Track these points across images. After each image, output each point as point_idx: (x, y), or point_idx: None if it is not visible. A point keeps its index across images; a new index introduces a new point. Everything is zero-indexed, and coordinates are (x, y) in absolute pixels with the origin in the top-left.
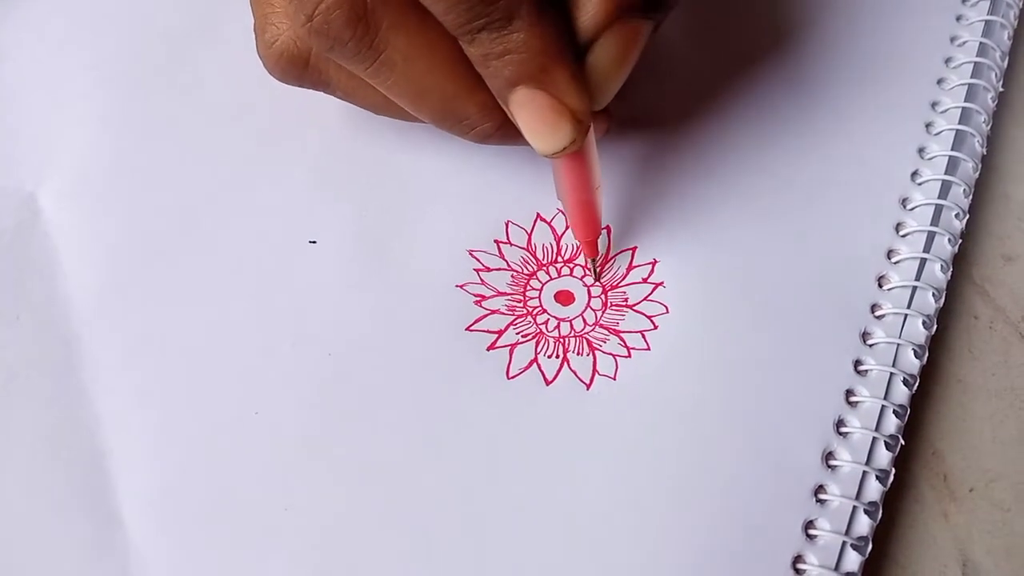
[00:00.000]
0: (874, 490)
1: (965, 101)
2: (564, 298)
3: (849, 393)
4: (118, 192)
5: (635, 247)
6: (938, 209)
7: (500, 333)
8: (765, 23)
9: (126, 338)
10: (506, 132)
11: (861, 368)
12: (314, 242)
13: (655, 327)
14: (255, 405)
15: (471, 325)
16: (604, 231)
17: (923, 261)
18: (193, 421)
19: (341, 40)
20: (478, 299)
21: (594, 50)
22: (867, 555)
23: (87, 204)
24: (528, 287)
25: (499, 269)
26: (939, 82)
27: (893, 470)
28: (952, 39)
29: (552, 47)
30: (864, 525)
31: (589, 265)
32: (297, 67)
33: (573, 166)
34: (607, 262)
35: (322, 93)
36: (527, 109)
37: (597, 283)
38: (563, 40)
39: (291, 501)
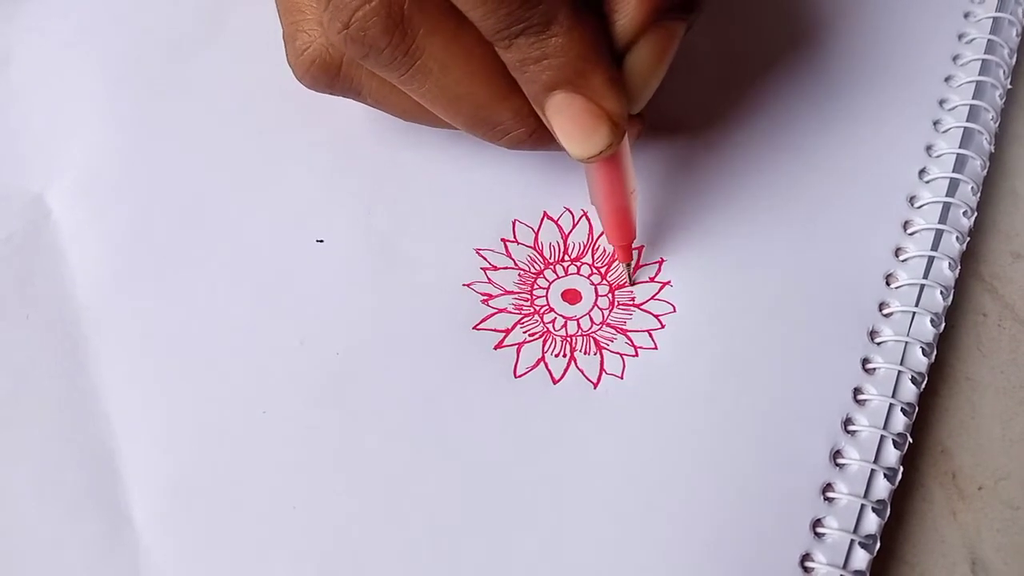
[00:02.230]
0: (882, 488)
1: (973, 99)
2: (571, 297)
3: (857, 391)
4: (126, 192)
5: (642, 246)
6: (946, 207)
7: (507, 332)
8: (771, 24)
9: (134, 337)
10: (539, 138)
11: (869, 366)
12: (321, 241)
13: (662, 326)
14: (263, 404)
15: (478, 324)
16: (636, 251)
17: (931, 259)
18: (201, 420)
19: (377, 48)
20: (485, 298)
21: (632, 53)
22: (875, 553)
23: (95, 204)
24: (535, 286)
25: (506, 268)
26: (947, 80)
27: (901, 468)
28: (960, 36)
29: (590, 51)
30: (872, 523)
31: (623, 270)
32: (328, 75)
33: (608, 171)
34: (636, 271)
35: (349, 99)
36: (564, 114)
37: (631, 287)
38: (600, 43)
39: (299, 499)
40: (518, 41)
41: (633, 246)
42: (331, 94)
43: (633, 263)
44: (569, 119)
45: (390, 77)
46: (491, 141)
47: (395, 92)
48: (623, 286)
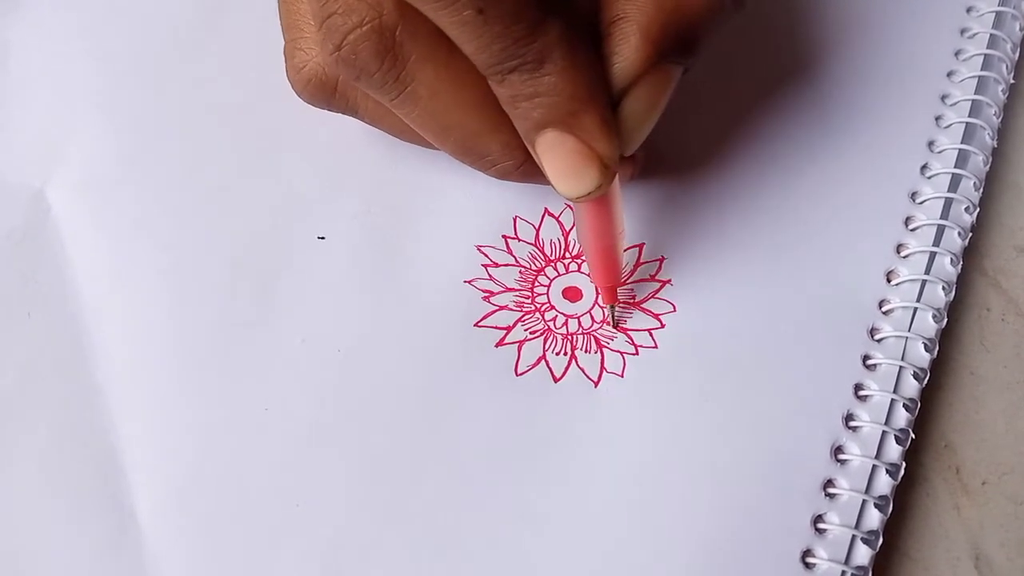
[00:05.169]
0: (884, 484)
1: (975, 93)
2: (572, 294)
3: (858, 387)
4: (126, 187)
5: (643, 243)
6: (948, 202)
7: (508, 329)
8: (769, 21)
9: (136, 334)
10: (527, 171)
11: (870, 362)
12: (323, 238)
13: (662, 325)
14: (265, 402)
15: (479, 321)
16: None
17: (933, 255)
18: (203, 417)
19: (368, 71)
20: (486, 295)
21: (628, 96)
22: (877, 549)
23: (96, 200)
24: (536, 283)
25: (507, 265)
26: (949, 74)
27: (904, 463)
28: (962, 31)
29: (583, 91)
30: (874, 519)
31: (607, 312)
32: (325, 93)
33: (596, 211)
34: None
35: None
36: (554, 153)
37: (614, 329)
38: (595, 84)
39: (302, 497)
40: (511, 77)
41: (633, 244)
42: (329, 111)
43: (618, 307)
44: (559, 158)
45: (382, 100)
46: (479, 169)
47: (390, 113)
48: (623, 284)
